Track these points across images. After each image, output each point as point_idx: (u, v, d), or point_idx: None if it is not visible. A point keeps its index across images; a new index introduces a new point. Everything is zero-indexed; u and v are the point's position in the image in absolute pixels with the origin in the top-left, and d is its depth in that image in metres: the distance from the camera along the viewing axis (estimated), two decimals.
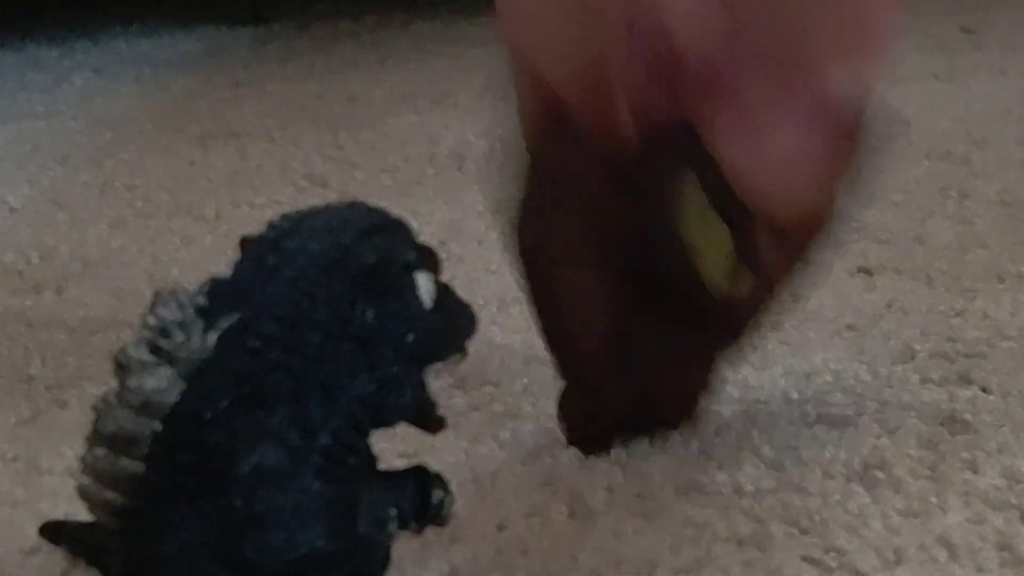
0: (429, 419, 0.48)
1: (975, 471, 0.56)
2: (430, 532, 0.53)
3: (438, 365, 0.47)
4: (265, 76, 1.67)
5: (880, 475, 0.56)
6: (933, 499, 0.54)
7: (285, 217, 0.47)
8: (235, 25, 2.05)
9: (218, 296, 0.45)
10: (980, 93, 1.30)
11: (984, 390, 0.65)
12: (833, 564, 0.50)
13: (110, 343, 0.78)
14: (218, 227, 1.01)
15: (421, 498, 0.49)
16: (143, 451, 0.44)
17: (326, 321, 0.44)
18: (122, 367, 0.45)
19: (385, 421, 0.47)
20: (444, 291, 0.47)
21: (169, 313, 0.45)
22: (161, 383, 0.44)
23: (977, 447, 0.58)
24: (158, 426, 0.44)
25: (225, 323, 0.44)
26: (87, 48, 1.91)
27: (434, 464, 0.60)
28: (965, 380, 0.66)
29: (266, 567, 0.44)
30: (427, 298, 0.46)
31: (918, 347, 0.70)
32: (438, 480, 0.49)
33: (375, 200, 1.11)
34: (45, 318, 0.82)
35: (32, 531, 0.55)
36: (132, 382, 0.45)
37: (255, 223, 1.19)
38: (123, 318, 0.82)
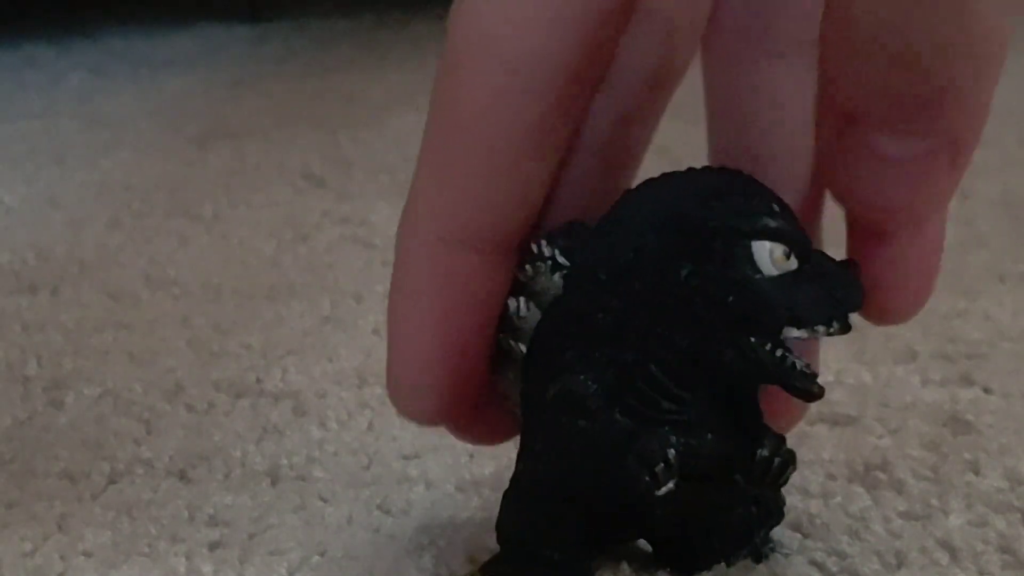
0: (795, 383, 0.44)
1: (977, 473, 0.56)
2: (427, 534, 0.53)
3: (800, 331, 0.44)
4: (263, 75, 1.67)
5: (882, 476, 0.56)
6: (935, 501, 0.54)
7: (643, 183, 0.46)
8: (233, 24, 2.04)
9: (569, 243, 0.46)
10: None
11: (986, 391, 0.65)
12: (835, 568, 0.49)
13: (106, 344, 0.78)
14: (215, 227, 1.01)
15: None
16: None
17: (649, 275, 0.43)
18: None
19: (717, 379, 0.43)
20: (811, 262, 0.44)
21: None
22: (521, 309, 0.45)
23: (979, 448, 0.58)
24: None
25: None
26: (84, 47, 1.91)
27: (433, 465, 0.59)
28: (967, 381, 0.66)
29: None
30: (768, 267, 0.44)
31: (919, 348, 0.70)
32: (775, 440, 0.46)
33: (372, 200, 1.10)
34: (41, 319, 0.82)
35: (27, 533, 0.55)
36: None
37: (253, 223, 1.19)
38: (119, 319, 0.82)
